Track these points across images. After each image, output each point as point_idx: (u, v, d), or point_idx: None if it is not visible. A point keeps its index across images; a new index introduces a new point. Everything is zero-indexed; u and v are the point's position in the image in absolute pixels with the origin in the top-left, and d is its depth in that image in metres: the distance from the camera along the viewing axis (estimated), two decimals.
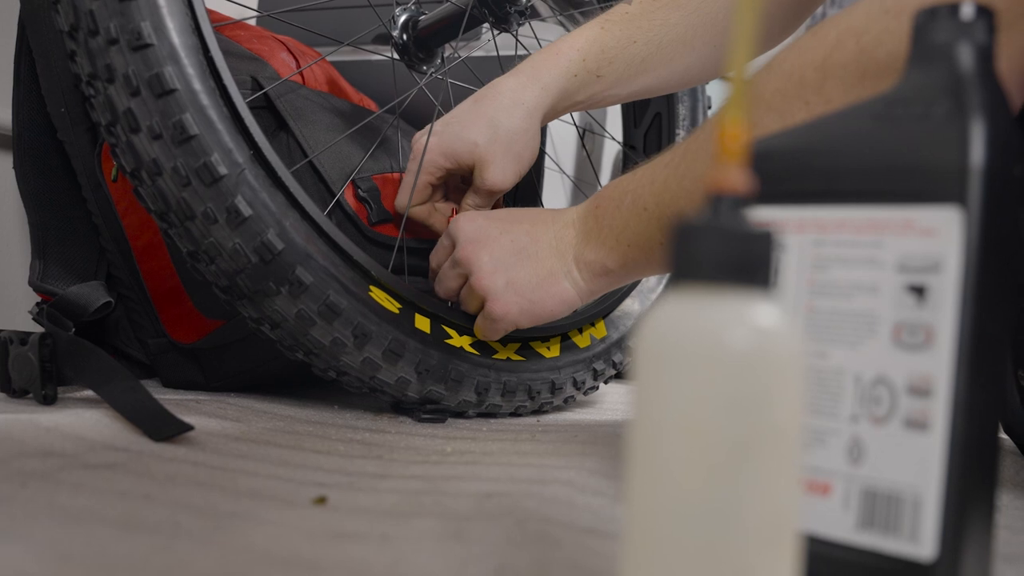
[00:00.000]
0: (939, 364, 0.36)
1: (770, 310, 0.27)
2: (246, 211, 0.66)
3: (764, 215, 0.41)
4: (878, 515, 0.37)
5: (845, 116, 0.41)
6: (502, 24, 0.92)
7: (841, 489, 0.38)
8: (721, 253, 0.27)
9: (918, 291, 0.37)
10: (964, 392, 0.35)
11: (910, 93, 0.39)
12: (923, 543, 0.35)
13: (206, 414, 0.73)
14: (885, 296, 0.37)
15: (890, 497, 0.36)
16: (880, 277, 0.38)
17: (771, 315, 0.27)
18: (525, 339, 0.86)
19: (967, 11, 0.39)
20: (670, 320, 0.27)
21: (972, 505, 0.36)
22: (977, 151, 0.36)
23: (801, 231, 0.40)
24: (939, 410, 0.36)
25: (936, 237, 0.36)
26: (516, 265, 0.74)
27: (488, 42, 1.02)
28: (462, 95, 1.05)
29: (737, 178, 0.28)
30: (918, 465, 0.36)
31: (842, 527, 0.37)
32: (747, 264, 0.27)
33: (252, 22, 1.05)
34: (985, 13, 0.39)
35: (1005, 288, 0.38)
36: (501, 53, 1.07)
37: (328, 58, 1.10)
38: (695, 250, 0.27)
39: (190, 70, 0.65)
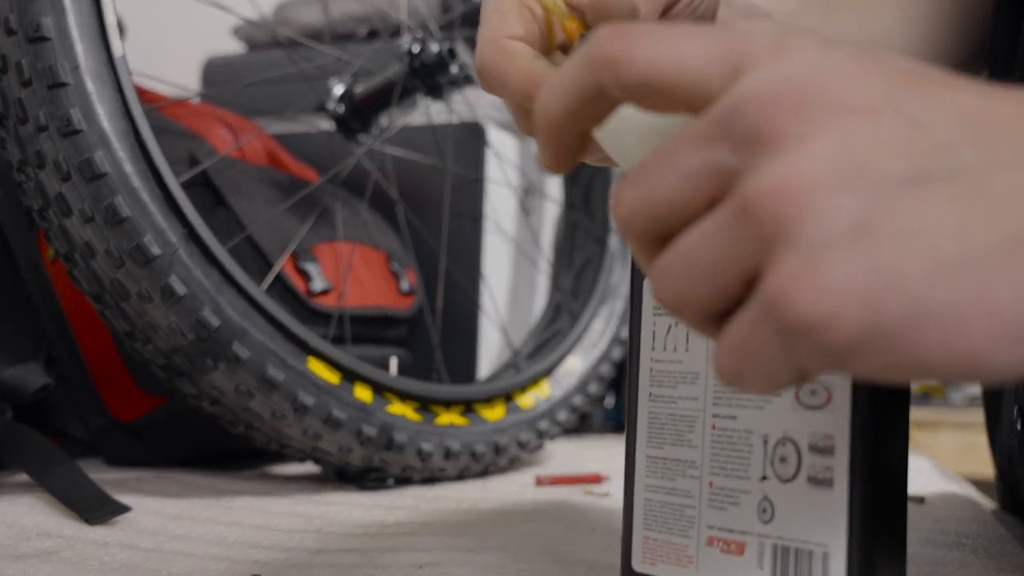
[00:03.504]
0: (839, 422, 0.37)
1: None
2: (180, 290, 0.67)
3: None
4: (790, 572, 0.38)
5: None
6: (435, 94, 0.94)
7: (755, 548, 0.39)
8: None
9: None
10: (863, 448, 0.37)
11: None
12: None
13: (146, 492, 0.73)
14: None
15: (800, 553, 0.38)
16: None
17: None
18: (469, 401, 0.86)
19: None
20: None
21: (880, 559, 0.37)
22: None
23: None
24: (842, 467, 0.37)
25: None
26: (950, 202, 0.24)
27: (424, 110, 1.04)
28: (400, 163, 1.07)
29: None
30: (824, 522, 0.37)
31: None
32: None
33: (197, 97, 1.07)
34: None
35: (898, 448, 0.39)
36: (436, 121, 1.09)
37: (269, 130, 1.11)
38: None
39: (121, 153, 0.65)
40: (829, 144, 0.25)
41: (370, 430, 0.76)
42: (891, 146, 0.25)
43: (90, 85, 0.65)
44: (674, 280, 0.28)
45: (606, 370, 1.02)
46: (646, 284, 0.44)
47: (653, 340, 0.44)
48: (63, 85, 0.64)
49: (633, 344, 0.45)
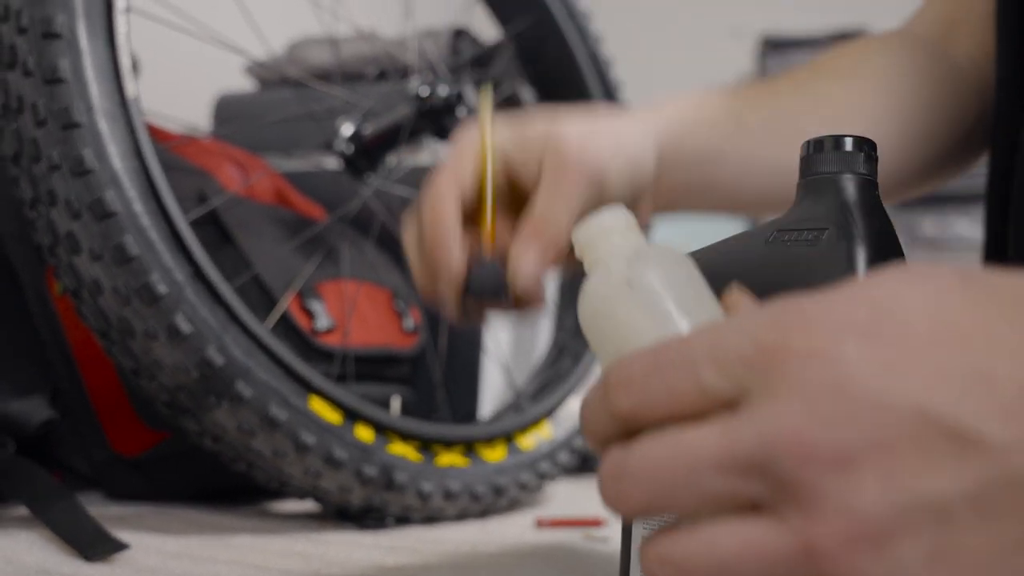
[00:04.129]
0: None
1: None
2: (186, 328, 0.67)
3: None
4: None
5: (742, 240, 0.43)
6: (443, 135, 0.96)
7: None
8: None
9: None
10: None
11: (801, 220, 0.42)
12: None
13: (147, 528, 0.73)
14: None
15: None
16: None
17: None
18: (470, 442, 0.87)
19: (848, 143, 0.42)
20: None
21: None
22: (862, 277, 0.39)
23: None
24: None
25: None
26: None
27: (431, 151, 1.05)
28: (407, 203, 1.08)
29: None
30: None
31: None
32: None
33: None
34: (866, 144, 0.42)
35: None
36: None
37: (277, 168, 1.12)
38: None
39: (131, 193, 0.66)
40: (878, 481, 0.25)
41: (371, 470, 0.76)
42: (939, 466, 0.25)
43: (103, 126, 0.66)
44: None
45: None
46: None
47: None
48: (77, 126, 0.65)
49: None
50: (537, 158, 0.51)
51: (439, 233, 0.50)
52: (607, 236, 0.35)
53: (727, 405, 0.27)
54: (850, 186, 0.42)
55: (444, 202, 0.50)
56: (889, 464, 0.25)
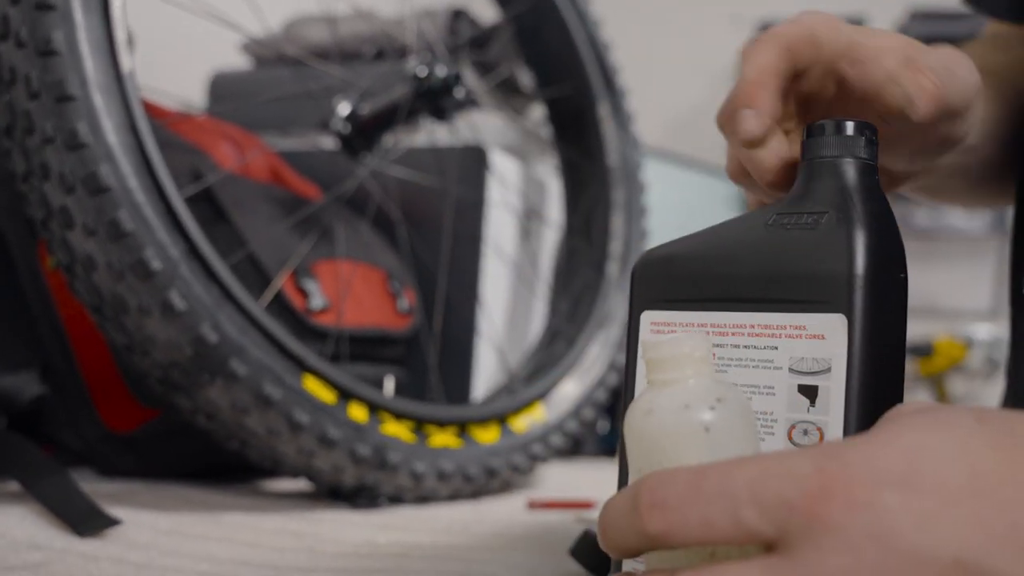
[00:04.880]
0: None
1: None
2: (180, 305, 0.67)
3: (665, 318, 0.43)
4: None
5: (742, 223, 0.43)
6: (440, 116, 0.95)
7: None
8: None
9: (811, 392, 0.39)
10: None
11: (800, 204, 0.42)
12: None
13: (139, 505, 0.73)
14: (781, 397, 0.39)
15: None
16: (776, 379, 0.40)
17: None
18: (464, 423, 0.86)
19: (849, 127, 0.42)
20: None
21: None
22: (861, 260, 0.38)
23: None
24: None
25: (826, 341, 0.38)
26: None
27: (428, 132, 1.05)
28: (402, 184, 1.08)
29: None
30: None
31: None
32: None
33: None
34: (867, 128, 0.42)
35: (892, 386, 0.40)
36: (440, 143, 1.10)
37: (274, 147, 1.12)
38: None
39: (125, 168, 0.66)
40: None
41: (364, 449, 0.76)
42: None
43: (98, 99, 0.66)
44: None
45: (601, 395, 1.02)
46: (643, 318, 0.44)
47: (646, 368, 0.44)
48: (71, 99, 0.64)
49: (628, 372, 0.45)
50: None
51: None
52: (684, 363, 0.35)
53: (763, 543, 0.29)
54: (850, 170, 0.42)
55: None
56: None
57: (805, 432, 0.38)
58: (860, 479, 0.28)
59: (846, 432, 0.37)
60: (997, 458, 0.29)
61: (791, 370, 0.39)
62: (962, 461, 0.29)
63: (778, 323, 0.40)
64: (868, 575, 0.27)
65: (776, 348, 0.40)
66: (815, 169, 0.42)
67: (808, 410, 0.38)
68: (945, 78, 0.44)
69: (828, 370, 0.38)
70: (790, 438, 0.39)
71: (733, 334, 0.41)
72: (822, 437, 0.38)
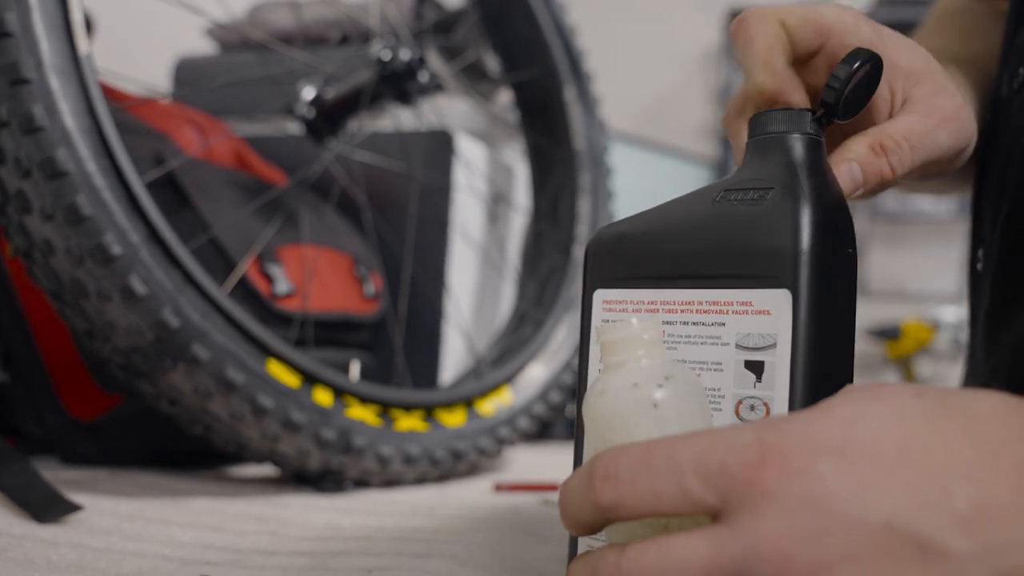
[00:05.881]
0: None
1: None
2: (141, 290, 0.67)
3: (617, 296, 0.43)
4: None
5: (691, 200, 0.43)
6: (404, 101, 0.95)
7: None
8: None
9: (757, 368, 0.39)
10: None
11: (747, 180, 0.42)
12: None
13: (101, 491, 0.72)
14: (728, 373, 0.40)
15: None
16: (724, 355, 0.40)
17: None
18: (430, 407, 0.87)
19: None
20: None
21: None
22: (806, 236, 0.39)
23: (652, 312, 0.43)
24: None
25: (771, 317, 0.39)
26: None
27: (393, 117, 1.05)
28: (368, 169, 1.08)
29: None
30: None
31: None
32: None
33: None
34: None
35: (839, 361, 0.41)
36: (405, 128, 1.10)
37: (238, 132, 1.11)
38: None
39: (83, 152, 0.65)
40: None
41: (329, 433, 0.76)
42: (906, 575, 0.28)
43: (54, 82, 0.65)
44: None
45: (568, 378, 1.02)
46: (595, 297, 0.44)
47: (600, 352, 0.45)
48: (26, 82, 0.64)
49: (583, 351, 0.45)
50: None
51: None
52: (634, 344, 0.36)
53: (708, 512, 0.30)
54: (797, 146, 0.42)
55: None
56: (862, 573, 0.28)
57: (752, 407, 0.39)
58: (796, 448, 0.30)
59: (791, 407, 0.38)
60: (930, 429, 0.30)
61: (738, 346, 0.40)
62: (896, 432, 0.30)
63: (725, 299, 0.40)
64: (802, 539, 0.28)
65: (724, 324, 0.40)
66: (762, 145, 0.43)
67: (755, 386, 0.39)
68: (919, 153, 0.45)
69: (773, 345, 0.39)
70: (737, 414, 0.39)
71: (683, 311, 0.42)
72: (768, 412, 0.38)
